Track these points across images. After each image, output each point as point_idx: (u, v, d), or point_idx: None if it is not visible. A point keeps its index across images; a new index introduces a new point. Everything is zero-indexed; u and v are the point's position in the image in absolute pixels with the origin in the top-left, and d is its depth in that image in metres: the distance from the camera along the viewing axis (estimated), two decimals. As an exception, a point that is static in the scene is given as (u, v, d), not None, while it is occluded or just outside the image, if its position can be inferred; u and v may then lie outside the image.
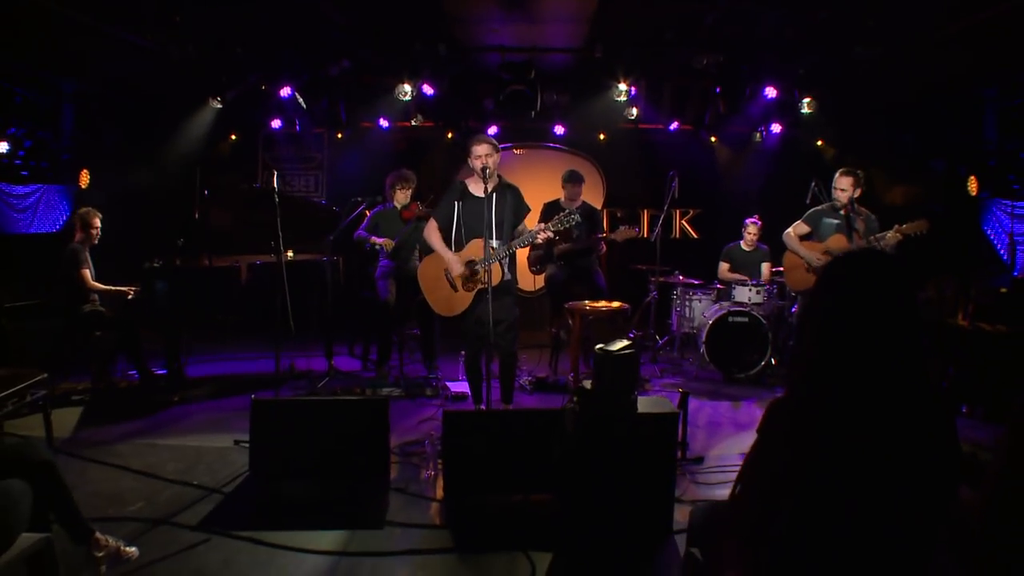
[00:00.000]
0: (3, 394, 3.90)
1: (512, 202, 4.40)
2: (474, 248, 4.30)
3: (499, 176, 4.39)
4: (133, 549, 2.89)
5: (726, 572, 1.83)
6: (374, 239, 6.10)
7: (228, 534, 3.25)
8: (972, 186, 8.04)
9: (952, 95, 7.95)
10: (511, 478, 3.56)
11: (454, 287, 4.38)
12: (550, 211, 5.98)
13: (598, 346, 3.32)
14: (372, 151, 8.90)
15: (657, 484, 3.26)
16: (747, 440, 4.68)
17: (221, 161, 9.05)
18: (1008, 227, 7.85)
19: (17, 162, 8.33)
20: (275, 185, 5.27)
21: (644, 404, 3.34)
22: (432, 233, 4.45)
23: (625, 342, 3.32)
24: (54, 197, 8.90)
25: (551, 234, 4.22)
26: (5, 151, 8.36)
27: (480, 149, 4.31)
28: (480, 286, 4.27)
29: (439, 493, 3.71)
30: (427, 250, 5.39)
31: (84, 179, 9.25)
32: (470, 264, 4.30)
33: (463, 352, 6.11)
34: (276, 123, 8.69)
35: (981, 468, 1.97)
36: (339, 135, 8.82)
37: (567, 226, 4.28)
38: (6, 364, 6.37)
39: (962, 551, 1.90)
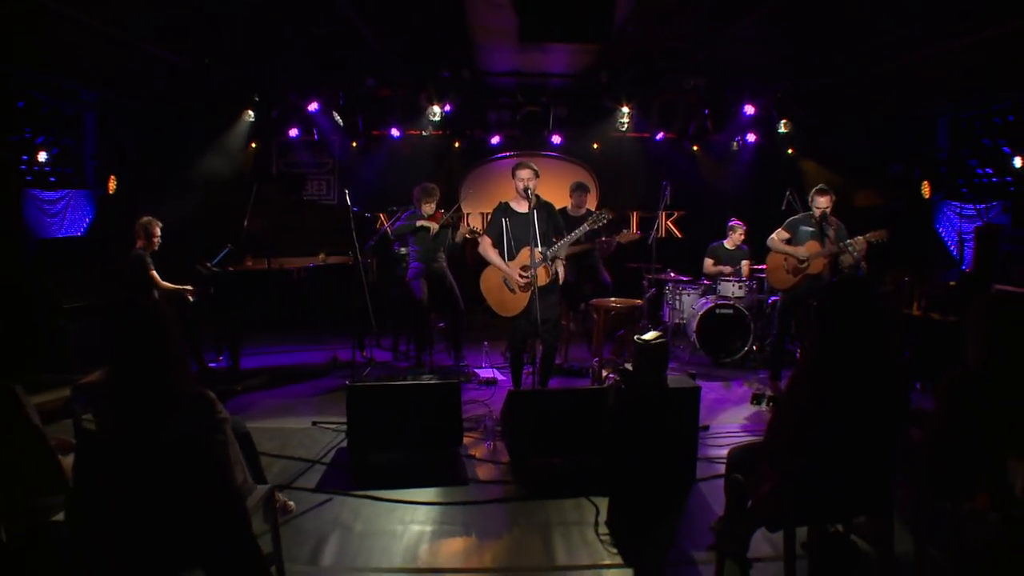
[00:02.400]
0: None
1: (550, 215, 5.26)
2: (525, 255, 5.13)
3: (537, 195, 5.23)
4: (292, 504, 3.70)
5: (762, 485, 2.73)
6: (420, 222, 6.78)
7: (347, 493, 4.06)
8: (925, 190, 9.11)
9: (908, 111, 9.00)
10: (563, 444, 4.43)
11: (512, 291, 5.21)
12: (561, 215, 6.85)
13: (636, 336, 4.19)
14: (383, 157, 9.67)
15: (684, 444, 4.17)
16: (740, 412, 5.65)
17: (244, 169, 9.72)
18: (958, 226, 8.93)
19: (46, 168, 8.87)
20: (347, 200, 5.99)
21: (671, 381, 4.22)
22: (488, 250, 5.25)
23: (657, 333, 4.20)
24: (80, 202, 9.41)
25: (603, 223, 5.23)
26: (43, 160, 8.88)
27: (523, 174, 5.16)
28: (533, 287, 5.09)
29: (505, 458, 4.57)
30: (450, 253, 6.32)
31: (111, 185, 9.79)
32: (524, 269, 5.14)
33: (485, 343, 7.01)
34: (294, 132, 9.38)
35: (924, 417, 2.94)
36: (354, 144, 9.54)
37: (600, 224, 5.19)
38: (66, 362, 6.99)
39: (911, 471, 2.87)
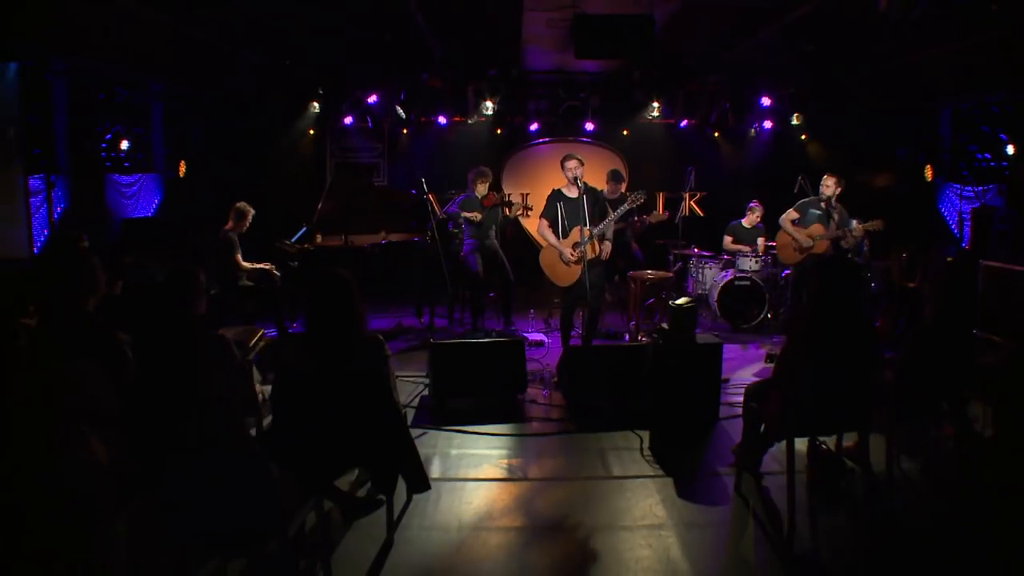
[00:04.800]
0: (251, 343, 5.62)
1: (596, 200, 6.18)
2: (576, 234, 6.07)
3: (584, 182, 6.15)
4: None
5: (771, 409, 3.70)
6: (464, 213, 7.76)
7: (438, 428, 5.08)
8: (928, 173, 9.95)
9: (913, 102, 9.80)
10: (610, 390, 5.41)
11: (566, 264, 6.15)
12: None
13: (670, 301, 5.15)
14: (431, 143, 10.60)
15: (709, 389, 5.14)
16: (755, 368, 6.61)
17: (305, 153, 10.71)
18: (958, 207, 9.76)
19: (122, 154, 9.83)
20: (424, 188, 6.94)
21: (699, 339, 5.17)
22: (546, 231, 6.19)
23: (687, 298, 5.16)
24: (150, 185, 10.36)
25: (639, 203, 6.18)
26: (126, 148, 9.86)
27: (571, 164, 6.08)
28: (585, 260, 6.02)
29: (561, 402, 5.57)
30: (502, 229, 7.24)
31: (182, 169, 10.74)
32: (575, 246, 6.08)
33: (531, 311, 7.98)
34: (348, 120, 10.32)
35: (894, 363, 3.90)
36: (404, 131, 10.49)
37: (638, 203, 6.13)
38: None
39: (884, 403, 3.83)
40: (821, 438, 4.15)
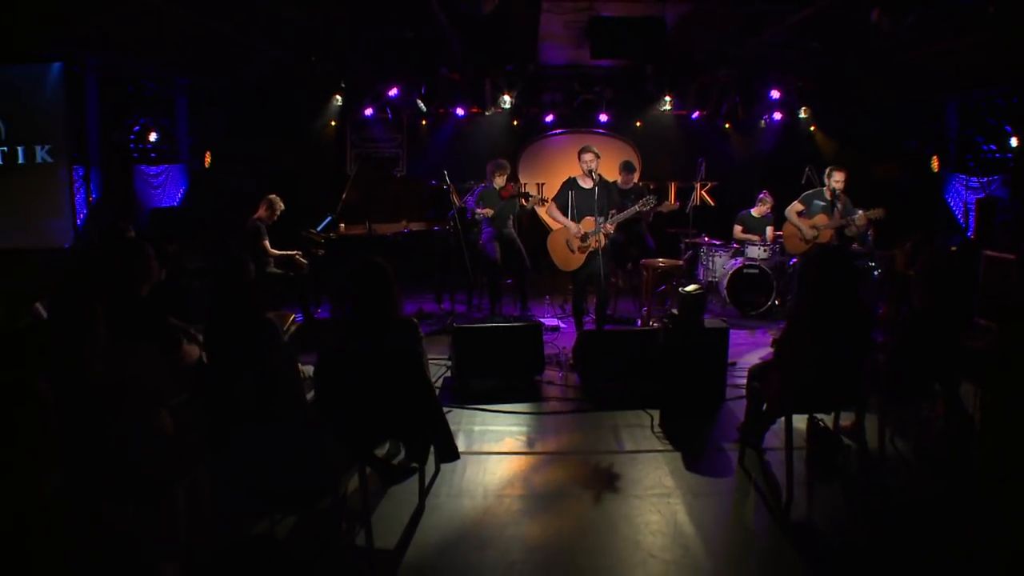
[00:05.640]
0: (285, 327, 5.97)
1: (609, 193, 6.49)
2: (587, 224, 6.38)
3: (599, 174, 6.45)
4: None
5: (772, 388, 4.02)
6: (479, 210, 8.10)
7: (462, 406, 5.43)
8: (935, 164, 10.17)
9: (920, 95, 10.02)
10: (623, 372, 5.74)
11: (572, 251, 6.47)
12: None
13: (680, 288, 5.47)
14: (449, 133, 10.93)
15: (716, 371, 5.46)
16: (761, 353, 6.90)
17: (327, 144, 11.05)
18: (964, 197, 9.98)
19: (148, 145, 10.18)
20: (446, 179, 7.27)
21: (707, 324, 5.49)
22: (555, 211, 6.50)
23: (696, 286, 5.47)
24: (176, 175, 10.73)
25: (650, 207, 6.50)
26: (154, 139, 10.21)
27: (587, 156, 6.38)
28: (590, 250, 6.35)
29: (576, 382, 5.91)
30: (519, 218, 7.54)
31: (207, 159, 11.10)
32: (585, 236, 6.40)
33: (547, 297, 8.32)
34: (369, 111, 10.64)
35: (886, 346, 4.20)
36: (423, 122, 10.81)
37: (649, 207, 6.46)
38: (187, 316, 8.36)
39: (877, 384, 4.14)
40: (820, 417, 4.46)
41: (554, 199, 6.63)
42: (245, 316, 3.16)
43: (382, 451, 4.41)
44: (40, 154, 7.05)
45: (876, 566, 3.43)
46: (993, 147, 9.44)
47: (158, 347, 3.94)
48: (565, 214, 6.50)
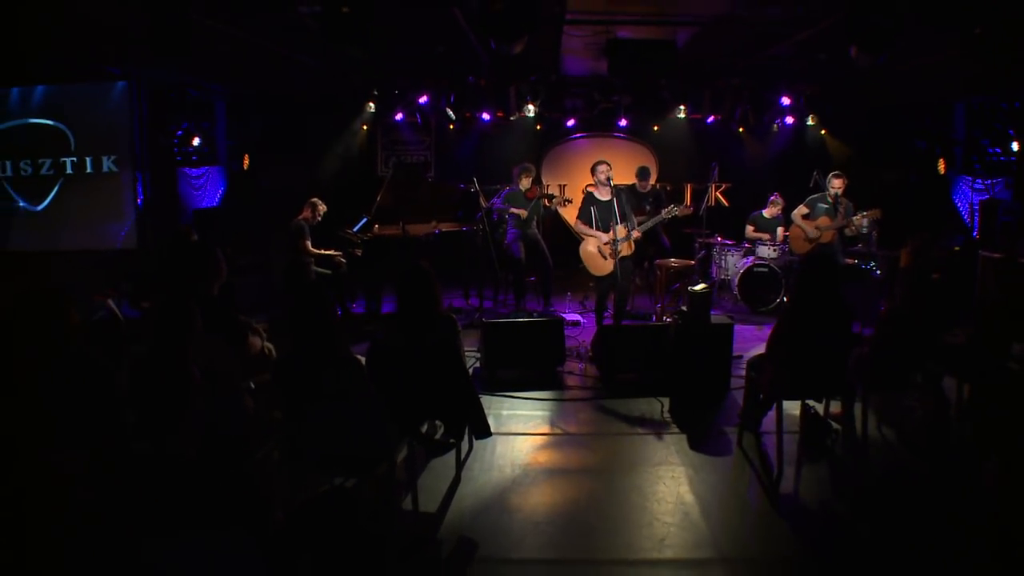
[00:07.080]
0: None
1: (626, 199, 7.04)
2: (616, 232, 6.92)
3: (615, 185, 7.01)
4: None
5: (765, 377, 4.58)
6: (512, 209, 8.66)
7: (491, 393, 6.04)
8: (941, 166, 10.59)
9: (927, 99, 10.43)
10: (637, 364, 6.31)
11: (604, 257, 7.02)
12: (630, 193, 8.62)
13: (689, 287, 6.03)
14: (475, 137, 11.53)
15: (722, 363, 6.01)
16: (763, 347, 7.42)
17: (359, 148, 11.69)
18: (970, 198, 10.39)
19: (190, 149, 10.83)
20: (476, 184, 7.86)
21: (714, 320, 6.03)
22: (583, 227, 7.02)
23: (704, 285, 6.02)
24: (215, 177, 11.39)
25: (672, 215, 7.08)
26: (197, 144, 10.88)
27: (602, 168, 6.94)
28: (620, 255, 6.87)
29: (595, 373, 6.50)
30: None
31: (246, 162, 11.76)
32: (612, 243, 6.93)
33: (568, 293, 8.89)
34: (399, 116, 11.25)
35: (868, 340, 4.74)
36: (451, 126, 11.41)
37: (671, 216, 7.03)
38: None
39: (860, 375, 4.68)
40: (811, 404, 5.00)
41: (578, 217, 7.16)
42: (329, 308, 3.78)
43: (424, 429, 5.03)
44: (107, 164, 7.75)
45: (854, 531, 3.99)
46: (998, 150, 9.85)
47: (224, 339, 4.58)
48: (591, 227, 7.03)
